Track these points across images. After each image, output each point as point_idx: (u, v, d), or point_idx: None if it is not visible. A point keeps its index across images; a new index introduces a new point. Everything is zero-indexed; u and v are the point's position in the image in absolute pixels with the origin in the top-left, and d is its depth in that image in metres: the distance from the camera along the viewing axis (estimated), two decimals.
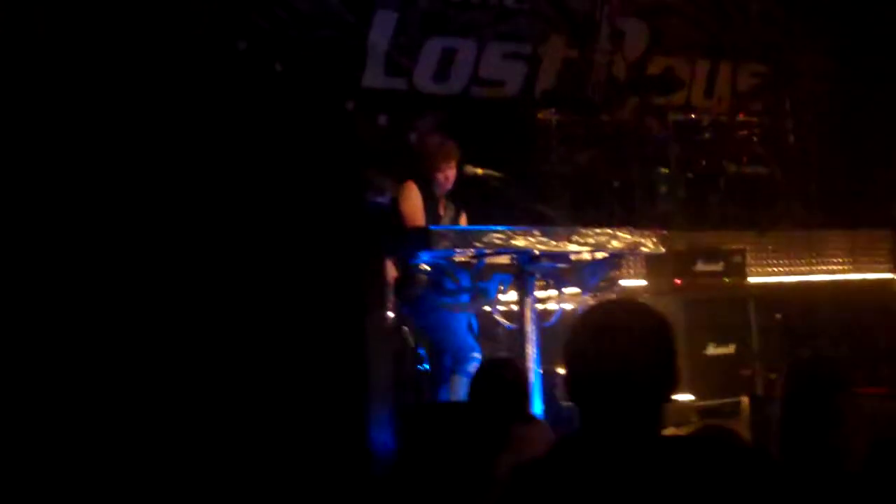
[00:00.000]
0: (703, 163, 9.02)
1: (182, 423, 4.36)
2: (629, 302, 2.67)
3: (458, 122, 8.85)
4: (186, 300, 4.49)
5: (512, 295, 5.91)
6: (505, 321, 5.96)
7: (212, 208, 4.78)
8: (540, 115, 9.18)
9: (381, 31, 9.03)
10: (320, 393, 4.67)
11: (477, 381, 4.54)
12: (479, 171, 6.42)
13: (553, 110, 9.02)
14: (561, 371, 7.07)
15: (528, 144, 9.18)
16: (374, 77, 9.02)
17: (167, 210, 4.48)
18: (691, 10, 10.31)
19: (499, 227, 5.53)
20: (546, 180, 8.92)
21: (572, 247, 5.75)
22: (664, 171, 8.95)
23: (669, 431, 5.89)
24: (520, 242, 5.57)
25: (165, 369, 4.36)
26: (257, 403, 4.52)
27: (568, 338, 2.53)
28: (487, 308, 5.94)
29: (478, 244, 5.45)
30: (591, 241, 5.83)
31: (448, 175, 6.35)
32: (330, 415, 4.67)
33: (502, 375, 4.42)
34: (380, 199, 7.12)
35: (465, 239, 5.42)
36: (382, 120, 8.95)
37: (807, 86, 10.15)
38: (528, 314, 5.77)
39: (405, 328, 6.48)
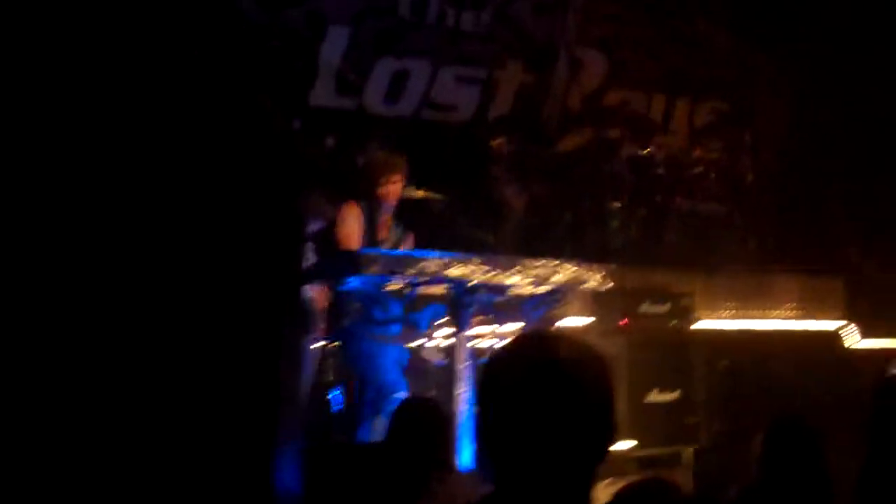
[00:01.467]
0: (657, 198, 8.75)
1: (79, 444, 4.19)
2: (564, 337, 2.22)
3: (407, 146, 8.52)
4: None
5: (446, 329, 5.51)
6: (435, 357, 5.50)
7: (131, 217, 4.74)
8: (492, 143, 8.94)
9: (334, 47, 8.72)
10: (223, 425, 4.32)
11: (394, 421, 4.07)
12: (420, 193, 5.98)
13: (506, 138, 8.57)
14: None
15: (479, 172, 8.84)
16: (323, 95, 8.68)
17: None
18: (652, 44, 10.03)
19: (434, 254, 5.09)
20: (494, 209, 8.54)
21: (513, 278, 5.32)
22: (616, 205, 8.64)
23: (605, 483, 5.50)
24: (456, 272, 5.15)
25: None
26: (157, 430, 4.27)
27: (484, 373, 2.06)
28: (418, 342, 5.44)
29: (410, 271, 5.01)
30: (532, 273, 5.41)
31: (391, 190, 6.00)
32: (233, 450, 4.30)
33: (421, 417, 3.94)
34: (316, 225, 6.67)
35: (396, 265, 4.99)
36: (330, 141, 8.56)
37: (766, 125, 9.94)
38: (462, 350, 5.34)
39: (330, 360, 5.98)
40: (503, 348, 2.10)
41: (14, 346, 4.13)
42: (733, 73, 10.17)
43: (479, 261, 5.26)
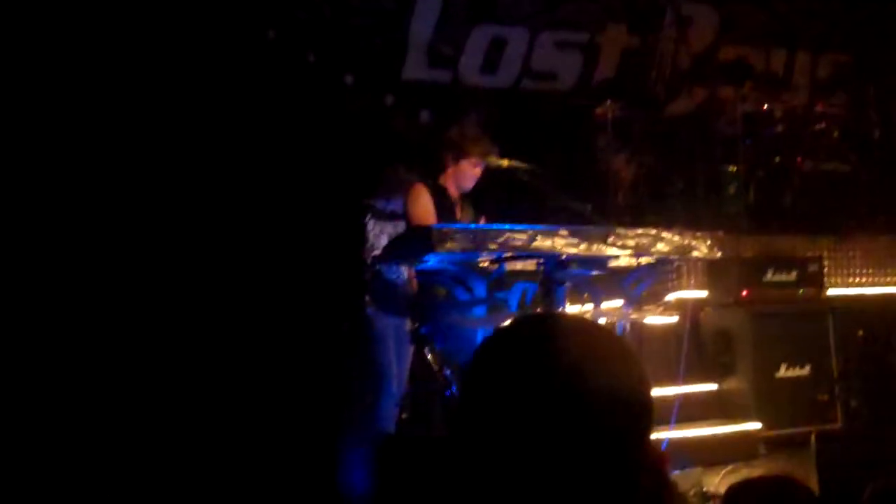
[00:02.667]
0: (777, 159, 7.98)
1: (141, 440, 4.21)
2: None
3: (507, 119, 8.05)
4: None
5: (538, 308, 4.86)
6: None
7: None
8: (597, 110, 8.28)
9: (424, 18, 8.26)
10: (282, 423, 4.00)
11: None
12: (505, 162, 5.45)
13: (611, 104, 7.99)
14: None
15: (583, 141, 8.25)
16: (415, 69, 8.26)
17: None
18: None
19: (518, 226, 4.55)
20: (599, 180, 7.96)
21: (609, 250, 4.74)
22: (732, 169, 7.92)
23: (727, 470, 4.84)
24: (544, 244, 4.58)
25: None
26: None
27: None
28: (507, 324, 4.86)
29: (493, 246, 4.47)
30: (630, 243, 4.82)
31: (477, 172, 5.57)
32: (293, 446, 3.96)
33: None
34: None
35: (477, 239, 4.45)
36: (425, 115, 8.19)
37: (891, 77, 9.07)
38: None
39: (426, 350, 5.47)
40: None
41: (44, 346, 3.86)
42: (854, 24, 9.46)
43: (568, 232, 4.65)
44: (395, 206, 6.26)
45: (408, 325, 6.00)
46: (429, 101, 8.17)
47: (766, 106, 7.98)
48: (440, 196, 5.54)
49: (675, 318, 6.58)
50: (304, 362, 4.42)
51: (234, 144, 6.95)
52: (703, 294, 6.83)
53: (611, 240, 4.79)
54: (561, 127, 8.46)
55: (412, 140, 7.78)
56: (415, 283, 5.64)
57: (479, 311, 4.84)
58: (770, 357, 6.65)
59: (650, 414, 1.49)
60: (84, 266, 5.15)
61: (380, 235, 6.16)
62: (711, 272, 6.81)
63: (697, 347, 6.56)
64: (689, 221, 7.08)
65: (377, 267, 5.95)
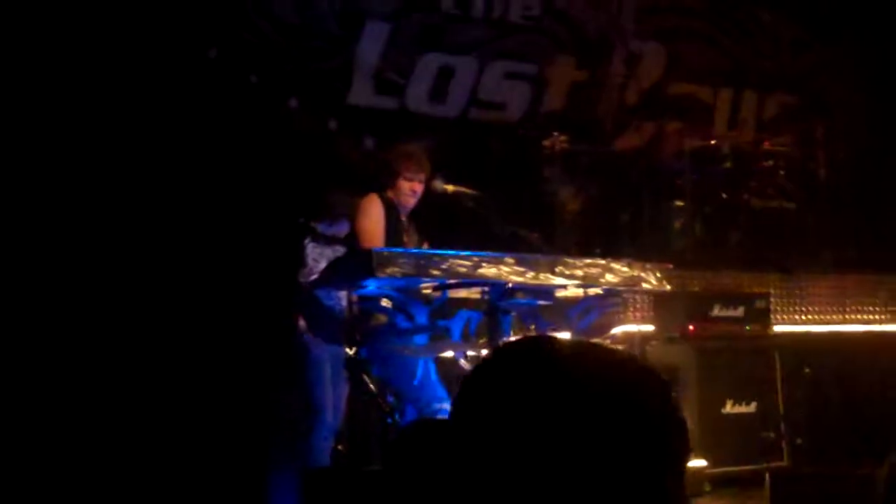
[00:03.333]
0: (723, 195, 7.94)
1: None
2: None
3: (454, 147, 7.90)
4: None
5: (482, 338, 4.79)
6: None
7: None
8: (545, 142, 8.18)
9: (371, 44, 8.14)
10: (215, 440, 3.78)
11: (398, 445, 3.27)
12: (450, 187, 5.26)
13: (559, 136, 7.85)
14: None
15: (529, 172, 8.13)
16: (361, 94, 8.12)
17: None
18: (715, 35, 9.33)
19: (463, 252, 4.34)
20: (545, 210, 7.86)
21: (556, 279, 4.56)
22: (679, 204, 7.89)
23: None
24: (490, 271, 4.40)
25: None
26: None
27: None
28: (449, 353, 4.67)
29: (436, 272, 4.28)
30: (578, 273, 4.66)
31: (415, 188, 5.34)
32: (220, 477, 3.73)
33: (431, 441, 3.12)
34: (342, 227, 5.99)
35: (420, 265, 4.26)
36: (369, 142, 8.06)
37: (839, 118, 9.13)
38: None
39: (364, 375, 5.26)
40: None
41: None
42: (802, 66, 9.49)
43: (514, 260, 4.47)
44: (337, 229, 6.08)
45: (344, 352, 5.89)
46: (374, 127, 8.03)
47: (713, 142, 7.87)
48: (391, 212, 5.32)
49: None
50: (233, 389, 4.19)
51: (172, 162, 6.74)
52: (649, 328, 6.67)
53: (558, 269, 4.63)
54: (508, 157, 8.35)
55: (356, 165, 7.61)
56: (354, 308, 5.43)
57: (421, 339, 4.68)
58: (716, 393, 6.51)
59: (683, 437, 1.28)
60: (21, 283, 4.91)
61: (319, 259, 5.96)
62: (658, 306, 6.67)
63: None
64: (635, 255, 6.94)
65: (314, 291, 5.76)
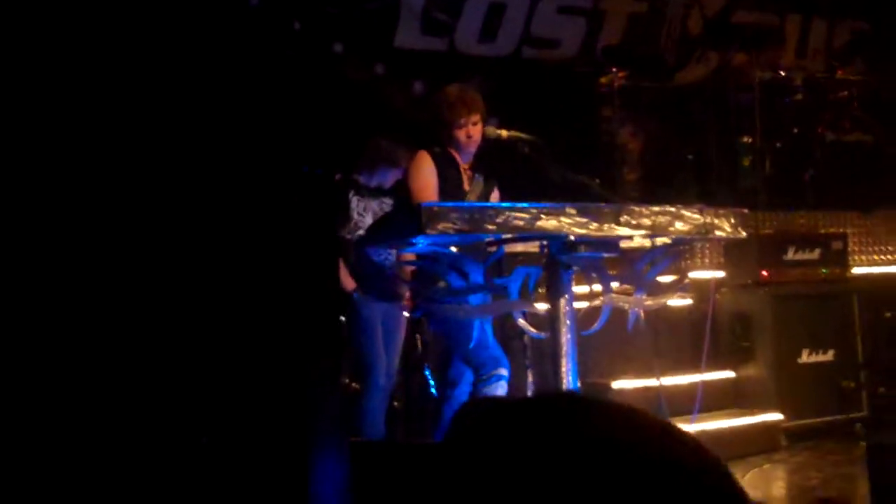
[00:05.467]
0: (795, 130, 7.51)
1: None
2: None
3: (507, 89, 7.62)
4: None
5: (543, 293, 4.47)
6: (531, 329, 4.47)
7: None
8: (602, 79, 7.92)
9: None
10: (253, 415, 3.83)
11: (460, 420, 2.99)
12: (504, 132, 4.91)
13: (617, 72, 7.50)
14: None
15: (588, 113, 7.81)
16: (408, 36, 7.87)
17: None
18: None
19: (519, 204, 4.02)
20: (605, 153, 7.50)
21: (621, 230, 4.20)
22: (747, 140, 7.43)
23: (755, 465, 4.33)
24: (550, 224, 4.05)
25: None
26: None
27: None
28: (510, 311, 4.46)
29: (491, 227, 3.94)
30: (646, 222, 4.28)
31: (471, 132, 4.95)
32: (261, 455, 3.48)
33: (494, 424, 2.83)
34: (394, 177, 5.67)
35: (473, 220, 3.92)
36: (418, 86, 7.82)
37: None
38: (564, 319, 4.27)
39: (418, 336, 5.00)
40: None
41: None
42: None
43: (576, 210, 4.11)
44: (381, 179, 5.84)
45: (398, 310, 5.72)
46: (423, 70, 7.78)
47: (782, 73, 7.42)
48: (446, 166, 4.97)
49: (688, 301, 6.19)
50: (276, 351, 3.97)
51: (213, 112, 6.47)
52: (719, 275, 6.34)
53: (624, 219, 4.24)
54: (564, 97, 8.05)
55: (405, 112, 7.38)
56: (406, 267, 5.14)
57: (476, 299, 4.36)
58: (791, 342, 6.24)
59: None
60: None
61: (364, 214, 5.71)
62: (728, 251, 6.37)
63: (713, 332, 6.08)
64: (701, 196, 6.63)
65: (363, 249, 5.51)
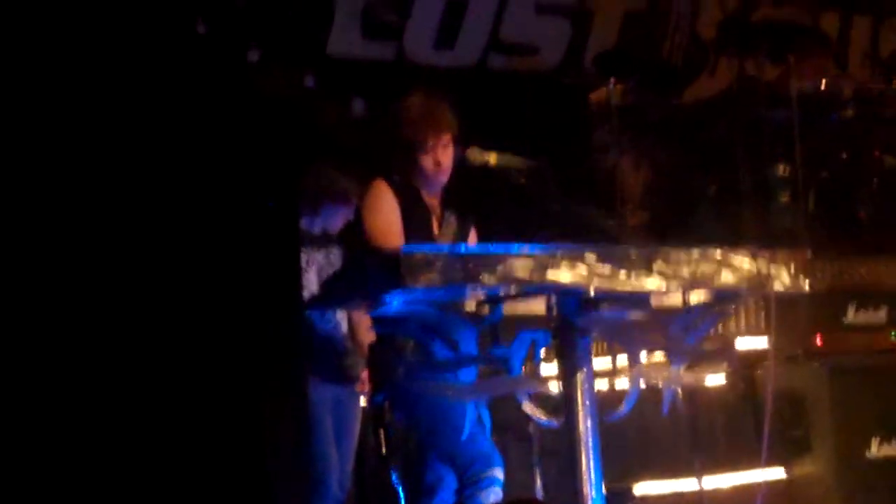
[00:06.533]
0: (845, 155, 7.55)
1: None
2: None
3: (470, 109, 7.64)
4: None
5: (552, 368, 4.35)
6: (540, 414, 4.34)
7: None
8: (593, 95, 8.07)
9: None
10: None
11: None
12: (492, 158, 4.88)
13: (614, 84, 7.63)
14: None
15: (575, 136, 7.87)
16: (345, 41, 8.08)
17: None
18: None
19: (525, 247, 3.89)
20: (602, 186, 7.68)
21: (653, 282, 4.11)
22: (784, 170, 7.46)
23: None
24: (564, 275, 3.95)
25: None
26: None
27: None
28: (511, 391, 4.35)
29: (488, 278, 3.81)
30: (684, 272, 4.20)
31: (440, 159, 5.00)
32: None
33: None
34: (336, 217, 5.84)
35: (465, 267, 3.79)
36: (359, 104, 8.04)
37: None
38: (582, 401, 4.21)
39: (382, 429, 5.28)
40: None
41: None
42: None
43: (596, 255, 4.03)
44: (326, 221, 5.87)
45: (350, 395, 5.78)
46: (364, 83, 8.02)
47: (825, 83, 7.47)
48: (409, 201, 4.99)
49: (721, 378, 6.17)
50: (205, 452, 4.13)
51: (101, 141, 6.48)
52: (761, 342, 6.31)
53: (658, 266, 4.16)
54: (545, 118, 8.19)
55: (342, 137, 7.54)
56: (366, 332, 5.10)
57: (468, 374, 4.24)
58: (857, 429, 6.26)
59: None
60: None
61: (307, 268, 5.65)
62: (769, 312, 6.28)
63: (755, 417, 6.15)
64: (723, 242, 6.62)
65: (306, 312, 5.46)
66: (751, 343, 6.39)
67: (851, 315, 6.49)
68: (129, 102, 6.51)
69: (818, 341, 6.39)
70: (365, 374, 5.57)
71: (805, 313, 6.34)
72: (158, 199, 6.13)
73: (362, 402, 5.71)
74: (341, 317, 5.74)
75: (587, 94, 8.01)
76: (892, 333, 6.54)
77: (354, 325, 5.77)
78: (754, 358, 6.34)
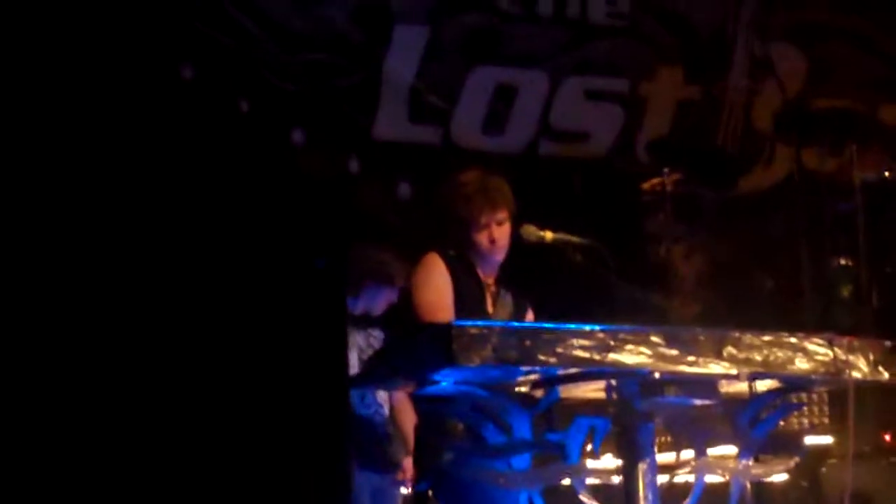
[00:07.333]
0: None
1: None
2: None
3: (520, 191, 7.60)
4: None
5: (611, 458, 4.21)
6: None
7: None
8: (645, 184, 7.98)
9: (404, 55, 8.00)
10: None
11: None
12: (548, 235, 4.79)
13: (668, 173, 7.72)
14: None
15: (627, 225, 7.89)
16: (391, 124, 7.99)
17: None
18: (872, 35, 9.00)
19: (586, 326, 3.70)
20: (653, 278, 7.65)
21: (722, 366, 3.90)
22: (847, 263, 7.44)
23: None
24: (627, 357, 3.73)
25: None
26: None
27: None
28: (566, 480, 4.13)
29: (546, 358, 3.60)
30: (756, 357, 3.98)
31: (495, 236, 4.85)
32: None
33: None
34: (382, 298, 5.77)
35: (522, 345, 3.58)
36: (404, 189, 7.94)
37: None
38: (644, 493, 4.00)
39: None
40: None
41: None
42: None
43: (663, 337, 3.81)
44: (368, 303, 5.84)
45: (391, 485, 5.59)
46: (410, 168, 7.96)
47: (887, 173, 7.37)
48: (463, 277, 4.83)
49: (784, 475, 5.95)
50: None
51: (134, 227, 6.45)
52: (826, 439, 6.09)
53: (728, 351, 3.96)
54: (595, 206, 8.13)
55: (387, 218, 7.60)
56: (409, 418, 5.07)
57: (521, 461, 3.98)
58: None
59: None
60: None
61: (347, 350, 5.45)
62: (834, 406, 6.11)
63: None
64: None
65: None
66: (815, 440, 6.24)
67: None
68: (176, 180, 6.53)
69: (887, 438, 6.32)
70: (407, 462, 5.39)
71: (873, 408, 6.14)
72: (202, 279, 6.14)
73: (403, 491, 5.46)
74: (383, 401, 5.58)
75: (639, 183, 7.92)
76: None
77: (396, 410, 5.60)
78: (819, 454, 6.19)
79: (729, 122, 8.53)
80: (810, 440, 6.20)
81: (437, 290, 4.77)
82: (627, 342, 3.75)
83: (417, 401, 4.73)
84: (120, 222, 6.24)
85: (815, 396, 6.16)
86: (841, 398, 5.86)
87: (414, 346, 3.94)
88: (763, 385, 4.31)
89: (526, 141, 8.27)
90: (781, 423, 5.87)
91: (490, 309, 4.87)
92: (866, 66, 8.92)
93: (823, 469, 6.15)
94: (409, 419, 5.43)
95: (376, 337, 5.67)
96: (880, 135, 8.36)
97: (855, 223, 7.21)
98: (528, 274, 5.09)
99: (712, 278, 7.70)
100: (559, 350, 3.66)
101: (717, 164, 8.30)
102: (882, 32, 8.98)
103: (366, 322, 5.64)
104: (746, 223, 7.90)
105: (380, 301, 5.67)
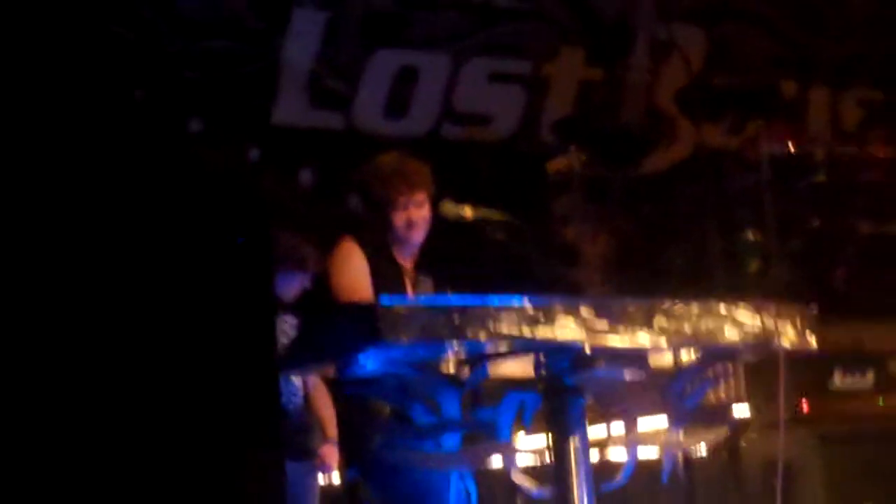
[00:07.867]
0: (817, 222, 7.58)
1: None
2: None
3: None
4: None
5: (541, 435, 4.02)
6: (530, 484, 4.06)
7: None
8: (551, 164, 7.83)
9: (303, 41, 7.97)
10: None
11: None
12: (469, 211, 4.69)
13: (577, 153, 7.54)
14: None
15: (532, 207, 7.76)
16: (291, 110, 7.99)
17: None
18: (770, 14, 9.08)
19: (514, 300, 3.59)
20: (561, 260, 7.60)
21: (654, 337, 3.85)
22: (754, 236, 7.43)
23: None
24: (557, 330, 3.60)
25: None
26: None
27: None
28: (499, 463, 4.10)
29: (474, 333, 3.48)
30: (686, 328, 3.89)
31: (413, 217, 4.83)
32: None
33: None
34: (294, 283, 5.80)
35: (449, 323, 3.46)
36: (306, 175, 7.92)
37: None
38: (575, 469, 3.87)
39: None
40: None
41: None
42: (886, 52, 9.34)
43: (592, 309, 3.72)
44: (280, 288, 5.72)
45: (306, 473, 5.55)
46: (312, 154, 7.97)
47: (791, 147, 7.39)
48: (381, 262, 4.81)
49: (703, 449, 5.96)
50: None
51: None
52: (744, 410, 6.06)
53: (658, 322, 3.88)
54: (499, 188, 7.96)
55: (291, 209, 7.54)
56: (324, 404, 5.17)
57: (450, 440, 3.91)
58: (846, 496, 6.17)
59: None
60: None
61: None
62: (753, 377, 6.09)
63: (738, 488, 6.10)
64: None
65: None
66: (735, 411, 6.17)
67: (838, 380, 6.42)
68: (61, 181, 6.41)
69: (805, 407, 6.28)
70: (325, 449, 5.38)
71: (790, 378, 6.12)
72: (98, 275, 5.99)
73: (321, 477, 5.41)
74: (297, 388, 5.48)
75: (545, 164, 7.79)
76: (880, 399, 6.45)
77: (312, 397, 5.59)
78: (738, 426, 6.00)
79: (631, 102, 8.58)
80: (733, 408, 6.22)
81: (355, 273, 4.72)
82: (556, 314, 3.68)
83: (340, 385, 4.67)
84: (18, 215, 6.13)
85: (731, 367, 6.18)
86: (756, 369, 5.89)
87: (336, 327, 3.84)
88: (690, 356, 4.28)
89: (429, 124, 8.28)
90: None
91: (409, 292, 4.83)
92: (765, 45, 8.98)
93: (744, 443, 6.15)
94: (325, 405, 5.42)
95: (289, 323, 5.61)
96: (782, 110, 8.44)
97: (761, 197, 7.26)
98: (446, 252, 5.05)
99: (621, 258, 7.65)
100: (486, 325, 3.57)
101: (621, 143, 8.32)
102: (779, 12, 9.04)
103: (280, 307, 5.59)
104: (653, 201, 7.98)
105: (293, 286, 5.62)
